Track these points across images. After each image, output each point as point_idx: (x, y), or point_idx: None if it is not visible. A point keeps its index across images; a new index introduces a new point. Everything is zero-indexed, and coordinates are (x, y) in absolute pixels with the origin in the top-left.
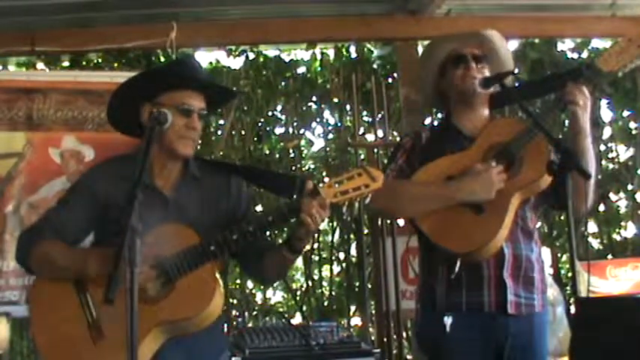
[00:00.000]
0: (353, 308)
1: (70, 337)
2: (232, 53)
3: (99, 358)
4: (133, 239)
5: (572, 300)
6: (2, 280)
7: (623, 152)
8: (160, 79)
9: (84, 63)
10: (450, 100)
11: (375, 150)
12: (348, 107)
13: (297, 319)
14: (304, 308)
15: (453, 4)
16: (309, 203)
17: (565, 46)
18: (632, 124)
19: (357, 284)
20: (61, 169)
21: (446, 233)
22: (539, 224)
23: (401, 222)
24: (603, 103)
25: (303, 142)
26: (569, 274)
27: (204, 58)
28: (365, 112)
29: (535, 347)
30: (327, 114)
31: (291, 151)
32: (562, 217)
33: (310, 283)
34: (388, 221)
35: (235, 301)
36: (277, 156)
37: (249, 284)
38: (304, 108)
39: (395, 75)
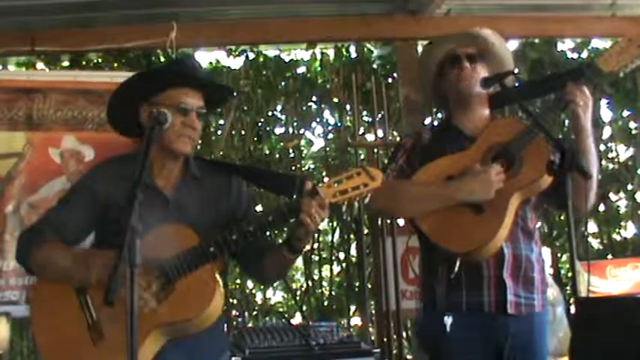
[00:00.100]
0: (353, 308)
1: (70, 338)
2: (232, 53)
3: (99, 359)
4: (133, 239)
5: (572, 300)
6: (2, 280)
7: (623, 152)
8: (157, 79)
9: (84, 63)
10: (449, 101)
11: (375, 150)
12: (348, 107)
13: (297, 319)
14: (304, 308)
15: (453, 4)
16: (309, 203)
17: (565, 46)
18: (632, 124)
19: (357, 284)
20: (61, 169)
21: (446, 233)
22: (539, 224)
23: (401, 222)
24: (603, 103)
25: (303, 142)
26: (569, 274)
27: (204, 58)
28: (365, 112)
29: (535, 347)
30: (327, 114)
31: (291, 151)
32: (562, 217)
33: (310, 283)
34: (388, 221)
35: (235, 301)
36: (277, 156)
37: (249, 284)
38: (304, 108)
39: (395, 75)
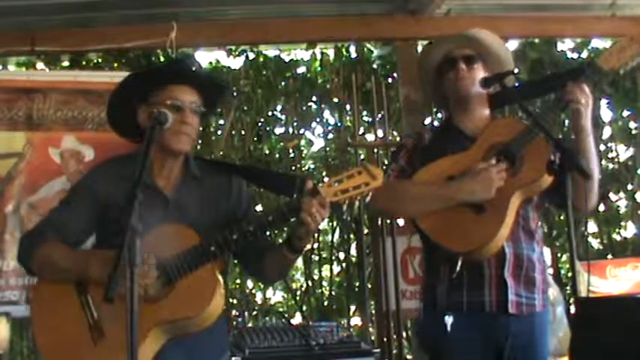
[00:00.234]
0: (353, 308)
1: (71, 337)
2: (232, 53)
3: (99, 358)
4: (133, 239)
5: (572, 300)
6: (2, 280)
7: (623, 152)
8: (148, 78)
9: (84, 63)
10: (449, 101)
11: (375, 150)
12: (348, 107)
13: (297, 319)
14: (304, 308)
15: (453, 4)
16: (309, 202)
17: (565, 46)
18: (632, 124)
19: (357, 284)
20: (60, 169)
21: (447, 233)
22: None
23: (401, 222)
24: (603, 102)
25: (303, 142)
26: (569, 274)
27: (204, 58)
28: (365, 112)
29: (536, 347)
30: (327, 114)
31: (291, 151)
32: (562, 217)
33: (310, 283)
34: (388, 221)
35: (235, 301)
36: (277, 156)
37: (249, 284)
38: (304, 108)
39: (395, 75)
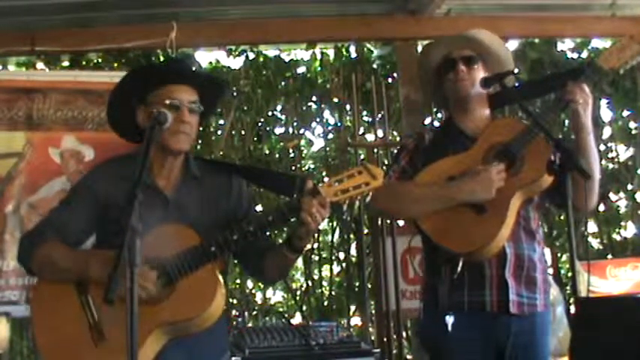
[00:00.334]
0: (353, 308)
1: (71, 338)
2: (232, 53)
3: (100, 359)
4: (133, 239)
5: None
6: (2, 280)
7: (623, 152)
8: (147, 77)
9: (84, 63)
10: (450, 102)
11: (375, 150)
12: (348, 107)
13: (297, 319)
14: (304, 308)
15: (453, 4)
16: (309, 202)
17: (565, 46)
18: (632, 124)
19: (357, 284)
20: (60, 169)
21: (447, 233)
22: None
23: (401, 222)
24: (603, 103)
25: (303, 142)
26: (569, 274)
27: (204, 58)
28: (365, 112)
29: (537, 346)
30: (327, 114)
31: (291, 151)
32: (562, 217)
33: (310, 283)
34: (388, 221)
35: (235, 301)
36: (277, 156)
37: (249, 284)
38: (304, 108)
39: (395, 75)
